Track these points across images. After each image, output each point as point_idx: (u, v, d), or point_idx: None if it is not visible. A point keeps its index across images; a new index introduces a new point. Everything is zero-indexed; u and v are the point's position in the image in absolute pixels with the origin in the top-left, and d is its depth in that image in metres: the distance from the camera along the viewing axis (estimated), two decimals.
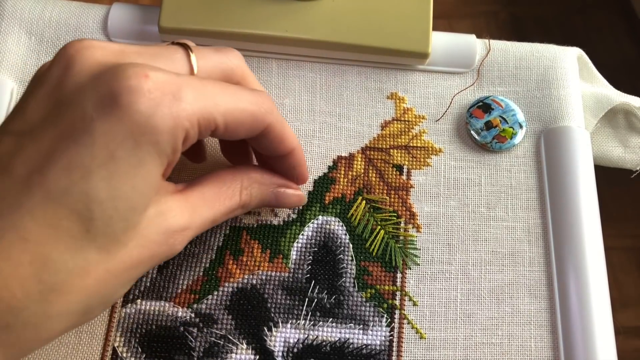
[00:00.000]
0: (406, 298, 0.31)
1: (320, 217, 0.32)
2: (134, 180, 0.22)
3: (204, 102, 0.23)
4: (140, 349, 0.29)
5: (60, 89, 0.22)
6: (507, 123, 0.34)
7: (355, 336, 0.30)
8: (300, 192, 0.30)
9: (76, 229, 0.21)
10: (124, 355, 0.29)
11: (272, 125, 0.26)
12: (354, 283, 0.31)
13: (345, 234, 0.32)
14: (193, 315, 0.30)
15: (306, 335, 0.30)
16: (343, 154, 0.34)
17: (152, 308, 0.30)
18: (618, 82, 0.41)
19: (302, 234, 0.32)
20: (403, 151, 0.34)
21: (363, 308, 0.31)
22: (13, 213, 0.21)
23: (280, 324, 0.30)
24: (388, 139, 0.34)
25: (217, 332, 0.30)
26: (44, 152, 0.21)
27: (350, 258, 0.32)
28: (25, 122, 0.22)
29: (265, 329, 0.30)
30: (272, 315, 0.30)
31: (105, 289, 0.23)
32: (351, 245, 0.32)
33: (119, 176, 0.21)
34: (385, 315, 0.31)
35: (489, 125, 0.34)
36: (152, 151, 0.22)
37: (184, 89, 0.22)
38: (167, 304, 0.30)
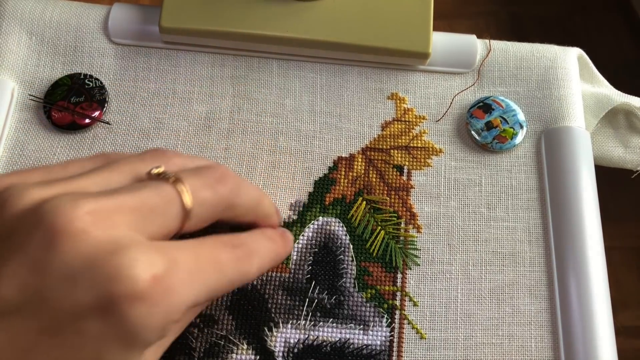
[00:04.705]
0: (406, 298, 0.31)
1: (320, 218, 0.32)
2: None
3: (195, 291, 0.22)
4: None
5: (42, 274, 0.19)
6: (508, 123, 0.34)
7: (356, 336, 0.30)
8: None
9: None
10: None
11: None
12: (354, 283, 0.31)
13: (346, 235, 0.32)
14: None
15: (306, 336, 0.30)
16: (343, 155, 0.34)
17: None
18: (618, 82, 0.41)
19: (303, 235, 0.32)
20: (403, 152, 0.34)
21: (363, 308, 0.31)
22: None
23: (281, 324, 0.30)
24: (388, 140, 0.34)
25: (218, 332, 0.30)
26: (21, 348, 0.19)
27: (350, 259, 0.32)
28: None
29: (266, 329, 0.30)
30: (273, 315, 0.30)
31: None
32: (351, 246, 0.32)
33: None
34: (386, 316, 0.31)
35: (489, 126, 0.34)
36: (140, 349, 0.21)
37: (179, 278, 0.21)
38: None
